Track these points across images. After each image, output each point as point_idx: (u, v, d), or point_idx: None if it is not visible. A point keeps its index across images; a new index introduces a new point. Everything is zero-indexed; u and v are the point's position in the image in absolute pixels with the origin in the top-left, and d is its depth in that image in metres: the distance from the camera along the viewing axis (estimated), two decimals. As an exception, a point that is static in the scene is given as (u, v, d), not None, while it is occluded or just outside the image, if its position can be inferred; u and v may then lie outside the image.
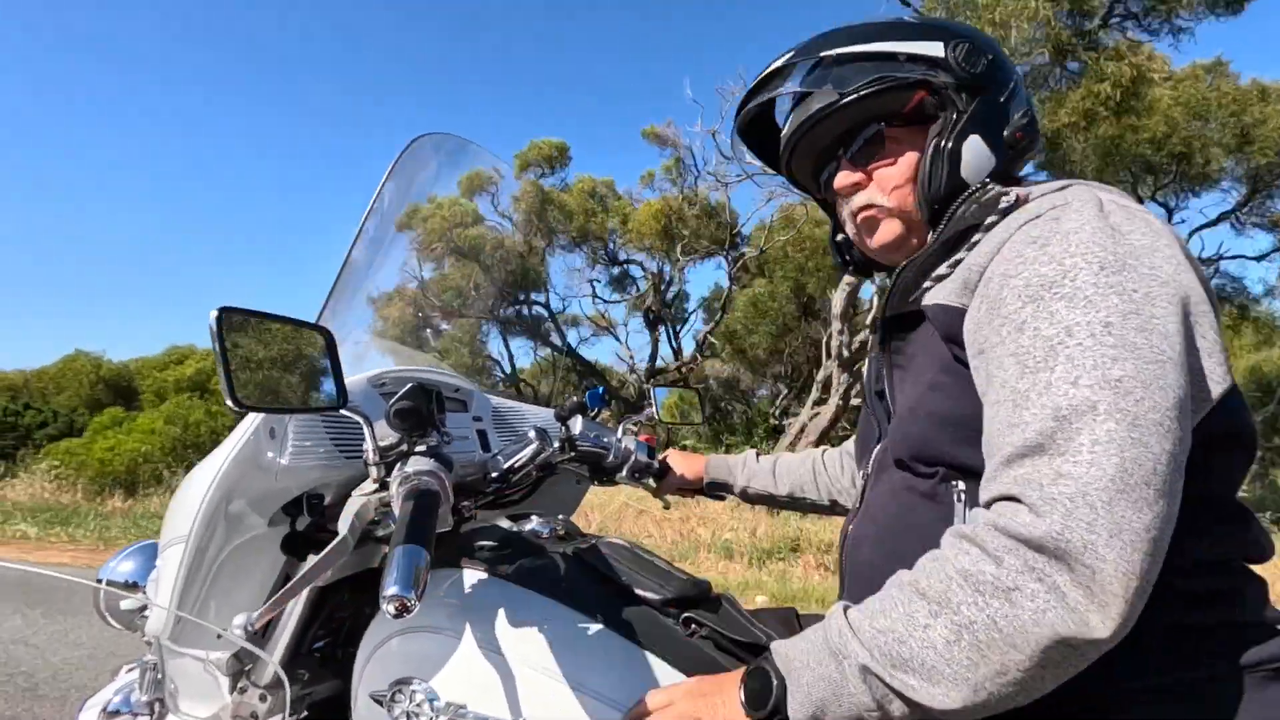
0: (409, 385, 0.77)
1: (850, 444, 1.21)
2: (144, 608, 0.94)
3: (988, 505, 0.56)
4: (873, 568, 0.79)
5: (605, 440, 1.18)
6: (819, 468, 1.24)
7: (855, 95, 0.80)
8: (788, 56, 0.85)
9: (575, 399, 1.14)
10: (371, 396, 0.96)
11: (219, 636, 0.86)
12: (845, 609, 0.61)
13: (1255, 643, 0.62)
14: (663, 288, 14.79)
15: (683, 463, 1.30)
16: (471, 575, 0.86)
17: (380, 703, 0.78)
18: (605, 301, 15.72)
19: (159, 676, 0.89)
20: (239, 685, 0.90)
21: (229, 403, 0.57)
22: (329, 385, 0.69)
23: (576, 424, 1.13)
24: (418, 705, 0.77)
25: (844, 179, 0.86)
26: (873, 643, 0.55)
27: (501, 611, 0.80)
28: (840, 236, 0.99)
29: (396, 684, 0.78)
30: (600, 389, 1.17)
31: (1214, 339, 0.60)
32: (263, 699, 0.89)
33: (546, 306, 14.80)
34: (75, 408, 16.77)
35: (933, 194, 0.79)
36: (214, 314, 0.57)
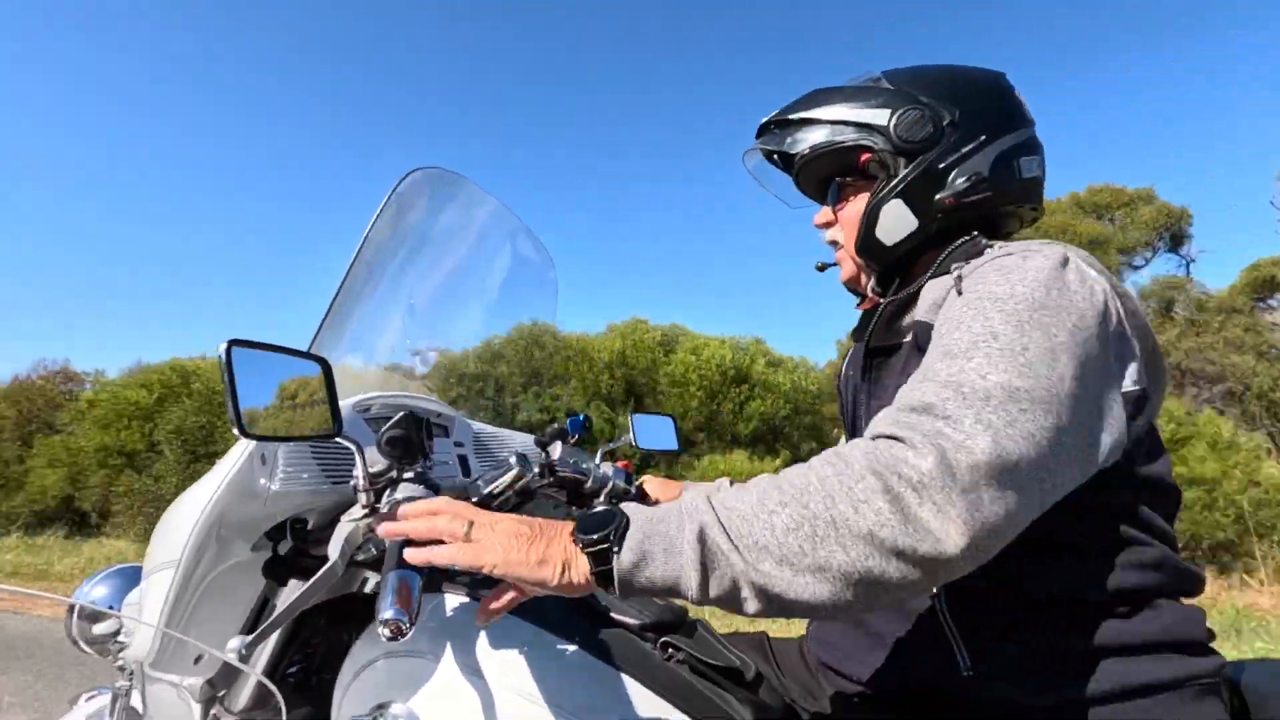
0: (401, 414, 0.79)
1: None
2: (118, 633, 0.92)
3: (871, 439, 0.61)
4: None
5: (584, 466, 1.21)
6: None
7: (809, 154, 0.91)
8: (770, 116, 0.96)
9: (557, 425, 1.17)
10: (356, 422, 0.97)
11: (196, 661, 0.86)
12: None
13: (1192, 659, 0.69)
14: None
15: (659, 488, 1.33)
16: (452, 600, 0.87)
17: None
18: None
19: (131, 704, 0.88)
20: (212, 712, 0.90)
21: (236, 432, 0.59)
22: (324, 413, 0.71)
23: (556, 450, 1.16)
24: None
25: (819, 216, 0.99)
26: (721, 513, 0.58)
27: (483, 636, 0.82)
28: None
29: (378, 708, 0.79)
30: (581, 415, 1.20)
31: (1113, 411, 0.66)
32: (237, 725, 0.89)
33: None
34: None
35: (857, 248, 0.90)
36: (223, 347, 0.59)
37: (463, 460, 1.16)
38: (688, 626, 0.94)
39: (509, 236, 1.28)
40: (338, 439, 0.74)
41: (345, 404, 0.98)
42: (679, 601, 0.72)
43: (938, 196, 0.84)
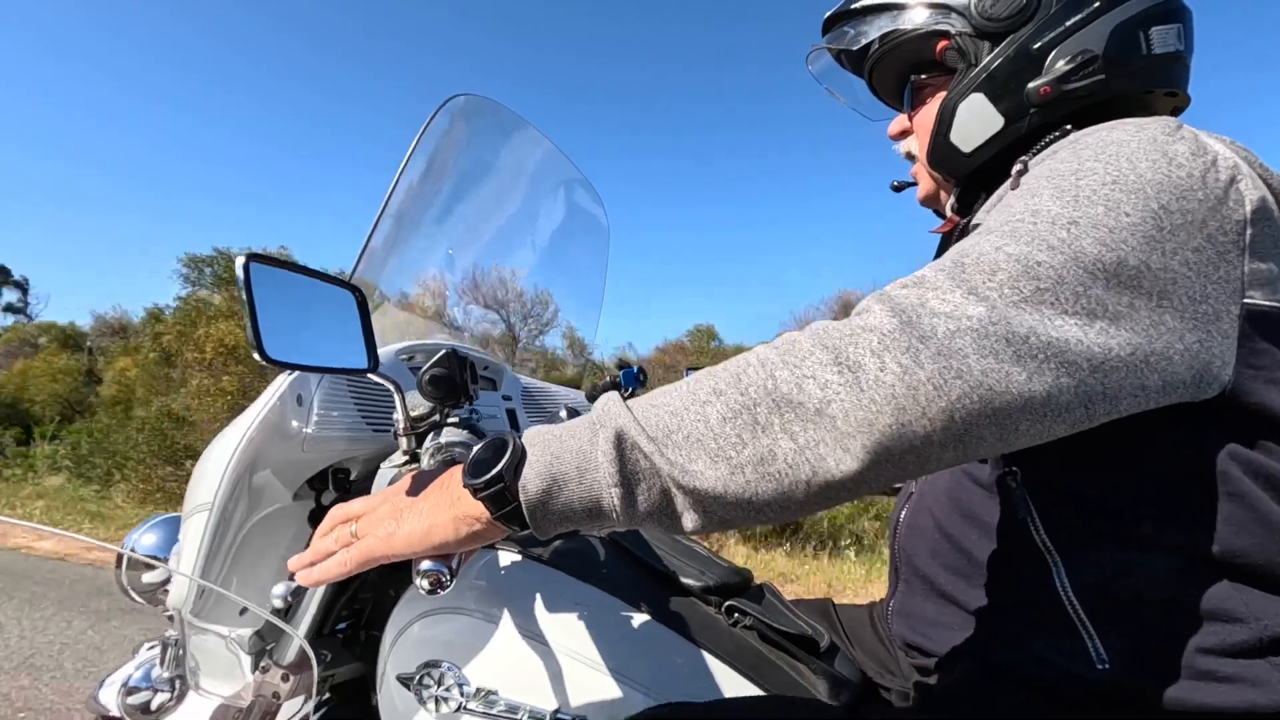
0: (442, 351, 0.73)
1: None
2: (166, 582, 0.91)
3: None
4: (931, 560, 0.74)
5: None
6: None
7: (878, 48, 0.77)
8: (835, 8, 0.83)
9: (609, 379, 1.10)
10: (399, 369, 0.93)
11: (242, 612, 0.83)
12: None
13: None
14: None
15: None
16: (504, 557, 0.82)
17: (408, 685, 0.75)
18: None
19: (180, 653, 0.86)
20: (261, 664, 0.88)
21: (257, 356, 0.54)
22: (359, 348, 0.65)
23: None
24: (447, 689, 0.73)
25: (893, 125, 0.84)
26: (640, 413, 0.48)
27: (536, 595, 0.77)
28: None
29: (425, 666, 0.75)
30: (635, 368, 1.12)
31: (1216, 324, 0.49)
32: (285, 678, 0.86)
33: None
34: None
35: (928, 157, 0.76)
36: (241, 261, 0.54)
37: (511, 415, 1.10)
38: (754, 591, 0.87)
39: (560, 184, 1.21)
40: (373, 377, 0.68)
41: (388, 350, 0.93)
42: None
43: (1031, 85, 0.67)
